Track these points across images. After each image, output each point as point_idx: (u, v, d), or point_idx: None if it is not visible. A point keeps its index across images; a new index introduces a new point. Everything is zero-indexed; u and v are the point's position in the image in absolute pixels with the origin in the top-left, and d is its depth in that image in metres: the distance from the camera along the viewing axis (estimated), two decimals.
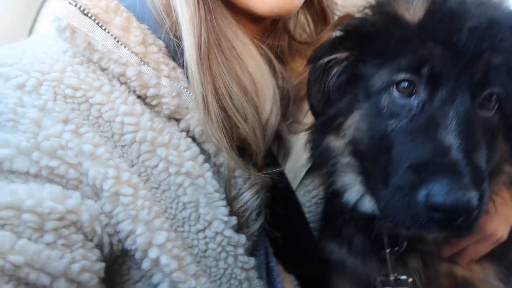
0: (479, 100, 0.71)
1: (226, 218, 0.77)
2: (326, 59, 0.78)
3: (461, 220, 0.63)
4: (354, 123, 0.78)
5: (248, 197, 0.78)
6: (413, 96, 0.71)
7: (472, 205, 0.62)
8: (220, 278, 0.77)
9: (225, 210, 0.77)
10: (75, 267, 0.63)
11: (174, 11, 0.75)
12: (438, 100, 0.69)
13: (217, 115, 0.74)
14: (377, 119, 0.74)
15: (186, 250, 0.74)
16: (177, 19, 0.75)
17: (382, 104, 0.74)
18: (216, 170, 0.79)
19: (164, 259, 0.70)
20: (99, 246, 0.69)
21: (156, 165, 0.74)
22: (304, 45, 0.98)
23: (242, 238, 0.78)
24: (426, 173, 0.65)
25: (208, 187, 0.76)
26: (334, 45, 0.79)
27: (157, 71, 0.76)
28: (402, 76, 0.71)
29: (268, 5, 0.77)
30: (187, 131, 0.78)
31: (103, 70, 0.75)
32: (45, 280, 0.60)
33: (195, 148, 0.77)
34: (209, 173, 0.77)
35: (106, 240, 0.70)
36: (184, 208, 0.75)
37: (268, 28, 0.93)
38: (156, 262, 0.71)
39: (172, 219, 0.75)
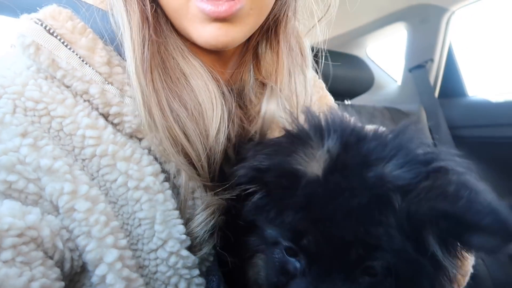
0: (359, 271, 0.68)
1: (183, 237, 0.74)
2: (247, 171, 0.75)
3: None
4: (257, 266, 0.76)
5: (203, 217, 0.77)
6: (298, 260, 0.70)
7: None
8: None
9: (182, 229, 0.75)
10: (35, 285, 0.61)
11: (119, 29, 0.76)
12: (313, 275, 0.68)
13: (163, 127, 0.74)
14: (272, 271, 0.73)
15: (138, 271, 0.72)
16: (121, 37, 0.75)
17: (275, 256, 0.72)
18: (176, 192, 0.77)
19: (109, 278, 0.68)
20: (60, 263, 0.67)
21: (115, 179, 0.72)
22: (259, 84, 0.94)
23: (197, 260, 0.77)
24: None
25: (167, 203, 0.74)
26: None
27: (121, 91, 0.76)
28: (285, 242, 0.70)
29: (204, 37, 0.76)
30: (149, 150, 0.77)
31: (67, 87, 0.74)
32: None
33: (157, 166, 0.76)
34: (169, 191, 0.75)
35: (67, 255, 0.68)
36: (139, 225, 0.73)
37: (233, 60, 0.93)
38: (102, 279, 0.69)
39: (128, 236, 0.72)
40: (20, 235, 0.62)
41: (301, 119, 0.78)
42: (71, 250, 0.69)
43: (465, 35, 2.92)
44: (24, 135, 0.68)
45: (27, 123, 0.69)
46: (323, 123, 0.74)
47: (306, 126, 0.75)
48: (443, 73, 2.75)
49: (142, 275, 0.72)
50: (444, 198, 0.64)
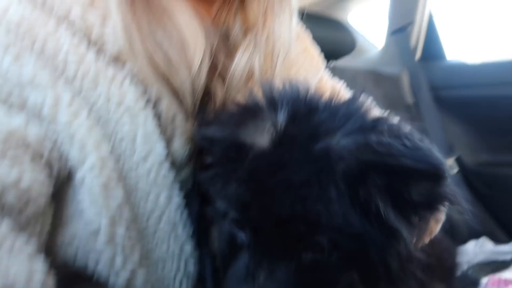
0: (301, 248, 0.69)
1: (163, 155, 0.78)
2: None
3: None
4: (212, 237, 0.79)
5: (182, 141, 0.81)
6: (244, 232, 0.71)
7: None
8: (147, 220, 0.78)
9: (163, 147, 0.78)
10: (24, 181, 0.65)
11: None
12: (256, 249, 0.69)
13: (144, 52, 0.77)
14: (222, 243, 0.75)
15: (118, 184, 0.75)
16: None
17: (223, 228, 0.74)
18: (157, 118, 0.81)
19: (88, 181, 0.72)
20: (48, 165, 0.71)
21: (97, 101, 0.75)
22: (245, 31, 0.97)
23: (177, 179, 0.80)
24: None
25: (148, 123, 0.78)
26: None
27: (104, 17, 0.79)
28: (232, 213, 0.72)
29: None
30: (132, 74, 0.79)
31: (49, 12, 0.76)
32: None
33: (139, 89, 0.79)
34: (150, 114, 0.79)
35: (54, 161, 0.72)
36: (120, 143, 0.76)
37: (217, 4, 0.96)
38: (81, 182, 0.73)
39: (110, 152, 0.76)
40: (6, 138, 0.66)
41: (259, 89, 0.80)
42: (58, 157, 0.73)
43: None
44: (6, 49, 0.72)
45: (9, 42, 0.73)
46: (277, 95, 0.74)
47: (261, 98, 0.77)
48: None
49: (123, 188, 0.76)
50: (377, 150, 0.64)
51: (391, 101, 2.89)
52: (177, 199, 0.80)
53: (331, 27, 2.97)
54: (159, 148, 0.78)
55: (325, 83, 1.18)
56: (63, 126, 0.71)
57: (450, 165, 2.43)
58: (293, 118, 0.70)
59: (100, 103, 0.75)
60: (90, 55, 0.76)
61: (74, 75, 0.74)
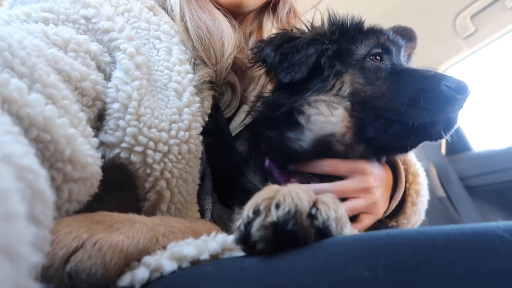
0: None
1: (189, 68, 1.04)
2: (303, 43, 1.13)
3: (464, 99, 0.96)
4: (349, 81, 1.10)
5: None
6: (382, 61, 1.13)
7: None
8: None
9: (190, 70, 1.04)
10: (92, 77, 0.86)
11: None
12: (397, 62, 1.16)
13: (192, 37, 1.08)
14: (368, 74, 1.10)
15: (150, 82, 0.94)
16: None
17: (367, 65, 1.11)
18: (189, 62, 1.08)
19: (122, 61, 0.93)
20: (103, 72, 0.92)
21: (140, 26, 1.04)
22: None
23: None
24: (436, 79, 0.98)
25: (179, 45, 1.06)
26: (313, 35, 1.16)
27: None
28: (376, 50, 1.13)
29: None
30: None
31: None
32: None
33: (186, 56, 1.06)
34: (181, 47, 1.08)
35: (108, 71, 0.93)
36: (157, 54, 1.02)
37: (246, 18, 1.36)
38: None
39: (148, 62, 0.99)
40: (77, 49, 0.87)
41: None
42: (109, 61, 0.94)
43: None
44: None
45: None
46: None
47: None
48: None
49: (153, 86, 0.97)
50: None
51: None
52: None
53: None
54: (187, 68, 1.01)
55: None
56: (117, 44, 0.94)
57: None
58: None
59: (143, 29, 1.03)
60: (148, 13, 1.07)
61: (124, 11, 1.04)
